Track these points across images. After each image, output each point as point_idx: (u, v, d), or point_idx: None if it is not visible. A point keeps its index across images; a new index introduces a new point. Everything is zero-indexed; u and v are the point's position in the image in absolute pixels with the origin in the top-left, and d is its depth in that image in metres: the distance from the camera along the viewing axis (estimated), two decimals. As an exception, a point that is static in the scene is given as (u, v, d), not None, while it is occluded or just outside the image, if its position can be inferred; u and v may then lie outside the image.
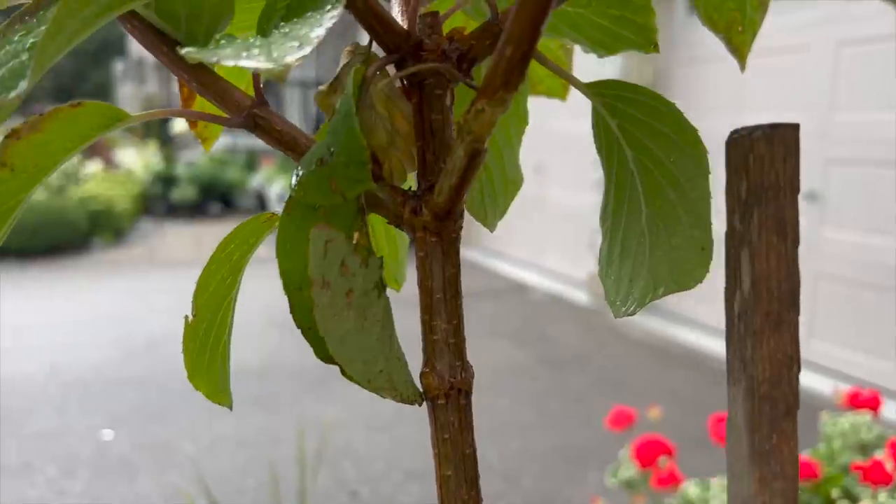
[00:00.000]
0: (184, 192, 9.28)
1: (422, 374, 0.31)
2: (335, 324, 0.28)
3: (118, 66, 17.98)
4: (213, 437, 2.90)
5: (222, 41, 0.26)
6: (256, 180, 9.58)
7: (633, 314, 0.31)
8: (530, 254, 5.71)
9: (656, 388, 3.33)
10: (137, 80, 15.83)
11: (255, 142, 10.52)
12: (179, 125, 9.87)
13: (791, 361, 0.29)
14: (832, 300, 3.35)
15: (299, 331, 0.30)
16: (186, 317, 0.34)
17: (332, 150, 0.25)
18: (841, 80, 3.28)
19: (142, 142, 11.39)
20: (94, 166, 8.68)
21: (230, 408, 0.36)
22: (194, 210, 9.29)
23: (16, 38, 0.25)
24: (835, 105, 3.31)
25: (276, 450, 2.71)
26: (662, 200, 0.31)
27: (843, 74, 3.26)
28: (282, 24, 0.25)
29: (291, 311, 0.30)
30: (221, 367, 0.35)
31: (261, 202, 9.41)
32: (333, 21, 0.24)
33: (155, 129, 11.80)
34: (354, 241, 0.27)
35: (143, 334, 4.16)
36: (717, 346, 3.73)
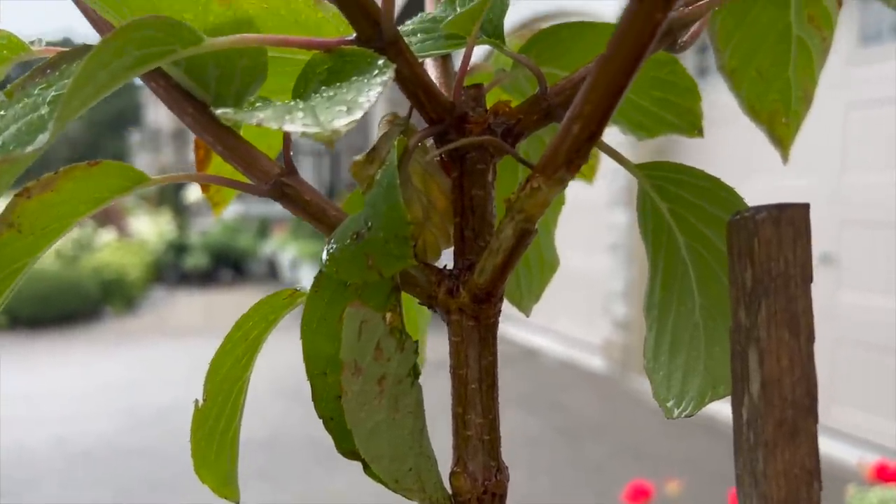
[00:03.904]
0: (196, 260, 9.32)
1: (452, 474, 0.28)
2: (365, 415, 0.25)
3: (134, 137, 18.36)
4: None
5: (258, 103, 0.24)
6: (268, 247, 9.62)
7: (690, 416, 0.28)
8: (543, 318, 5.65)
9: (674, 458, 3.24)
10: (153, 151, 16.13)
11: (267, 209, 10.62)
12: (194, 194, 9.99)
13: (810, 478, 0.24)
14: (852, 365, 3.27)
15: (313, 407, 0.28)
16: (196, 401, 0.31)
17: (369, 223, 0.23)
18: (850, 142, 3.29)
19: (156, 210, 11.52)
20: (107, 235, 8.75)
21: (237, 502, 0.33)
22: (206, 278, 9.31)
23: (35, 92, 0.24)
24: (846, 167, 3.31)
25: (285, 525, 2.62)
26: (718, 291, 0.28)
27: (853, 136, 3.28)
28: (322, 88, 0.24)
29: (313, 399, 0.28)
30: (230, 456, 0.32)
31: (272, 269, 9.43)
32: (384, 87, 0.22)
33: (169, 198, 11.95)
34: (388, 322, 0.25)
35: (153, 404, 4.10)
36: (736, 414, 3.64)
